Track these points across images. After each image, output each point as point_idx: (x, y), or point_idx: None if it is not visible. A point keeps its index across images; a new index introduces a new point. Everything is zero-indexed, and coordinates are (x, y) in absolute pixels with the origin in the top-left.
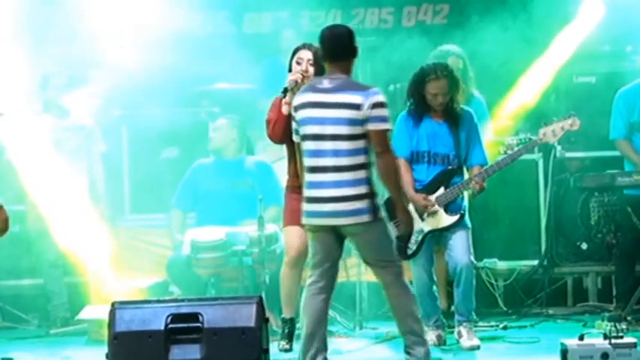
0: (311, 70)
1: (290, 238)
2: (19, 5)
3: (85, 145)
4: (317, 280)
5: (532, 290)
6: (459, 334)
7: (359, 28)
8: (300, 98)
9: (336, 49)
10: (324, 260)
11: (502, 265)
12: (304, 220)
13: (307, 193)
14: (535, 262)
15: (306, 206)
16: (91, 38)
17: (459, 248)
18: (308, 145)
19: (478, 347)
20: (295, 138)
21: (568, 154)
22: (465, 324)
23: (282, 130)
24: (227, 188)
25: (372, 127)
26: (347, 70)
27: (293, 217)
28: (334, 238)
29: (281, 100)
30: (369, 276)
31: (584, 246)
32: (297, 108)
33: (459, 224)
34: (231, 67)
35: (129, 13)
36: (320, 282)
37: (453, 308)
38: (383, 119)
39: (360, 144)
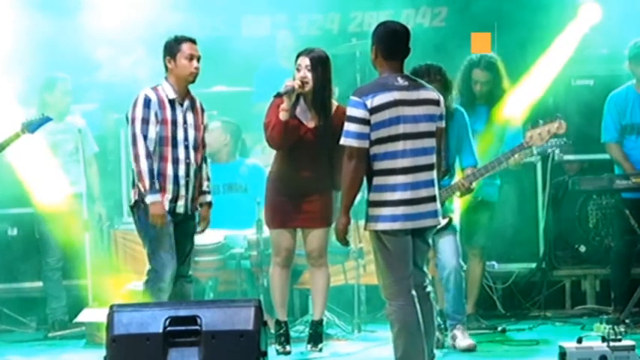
0: (309, 76)
1: (281, 239)
2: (14, 8)
3: (80, 147)
4: (410, 294)
5: (530, 293)
6: (454, 337)
7: (357, 32)
8: (380, 98)
9: (405, 48)
10: (410, 267)
11: (500, 267)
12: (398, 225)
13: (400, 195)
14: (533, 265)
15: (401, 209)
16: (89, 42)
17: (447, 252)
18: (397, 146)
19: (475, 347)
20: (362, 143)
21: (566, 157)
22: (458, 326)
23: (280, 135)
24: (222, 192)
25: (442, 124)
26: (403, 68)
27: (283, 218)
28: (411, 241)
29: (278, 103)
30: (367, 279)
31: (583, 249)
32: (379, 108)
33: (446, 228)
34: (229, 70)
35: (126, 17)
36: (413, 296)
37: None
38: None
39: (434, 142)
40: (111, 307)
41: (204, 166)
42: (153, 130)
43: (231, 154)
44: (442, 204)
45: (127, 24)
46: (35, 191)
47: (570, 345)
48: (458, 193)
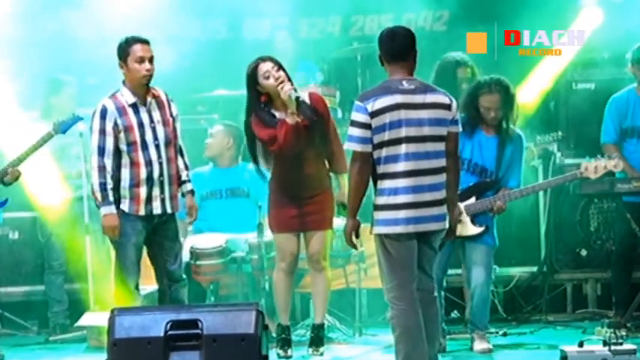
0: (282, 75)
1: (286, 244)
2: (13, 7)
3: (83, 151)
4: (412, 298)
5: (531, 297)
6: (472, 340)
7: (358, 35)
8: (381, 102)
9: (407, 49)
10: (414, 272)
11: (501, 271)
12: (400, 229)
13: (402, 199)
14: (534, 269)
15: (403, 213)
16: (90, 45)
17: (478, 265)
18: (400, 149)
19: (490, 350)
20: (364, 147)
21: (567, 161)
22: (477, 331)
23: (293, 139)
24: (224, 196)
25: (455, 129)
26: (413, 71)
27: (289, 222)
28: (415, 245)
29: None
30: (368, 282)
31: (584, 252)
32: (379, 112)
33: (482, 239)
34: (230, 73)
35: (128, 20)
36: (416, 297)
37: (452, 315)
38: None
39: (444, 146)
40: (112, 310)
41: (179, 157)
42: (110, 141)
43: (233, 159)
44: (482, 213)
45: (129, 27)
46: (39, 195)
47: (571, 349)
48: (489, 211)
